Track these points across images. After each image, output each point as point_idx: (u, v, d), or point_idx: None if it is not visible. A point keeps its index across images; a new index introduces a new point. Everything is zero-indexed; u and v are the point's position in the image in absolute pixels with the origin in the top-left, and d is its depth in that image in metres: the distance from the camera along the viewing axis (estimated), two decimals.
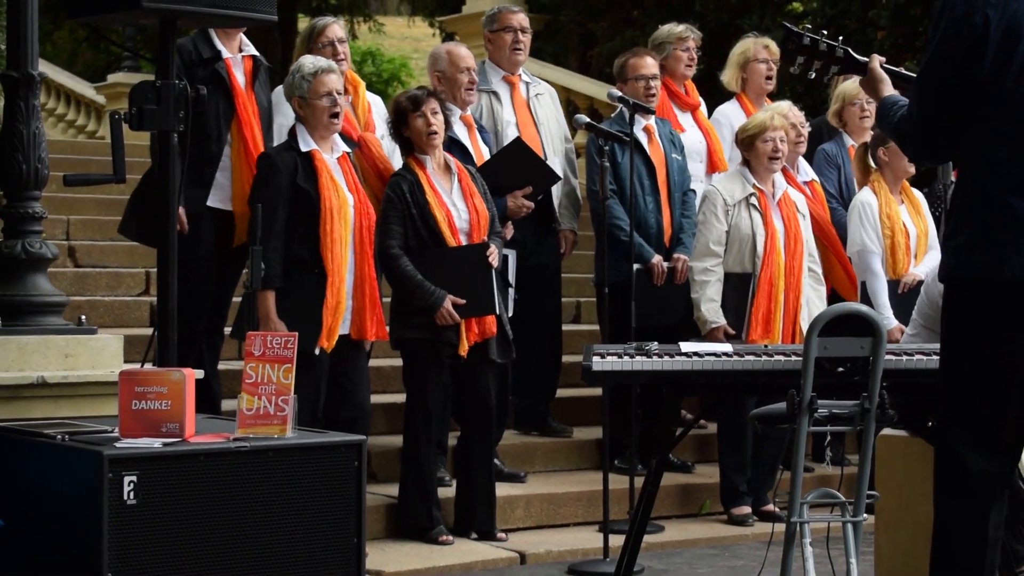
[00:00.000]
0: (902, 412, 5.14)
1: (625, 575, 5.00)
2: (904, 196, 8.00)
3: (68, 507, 4.35)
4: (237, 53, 7.22)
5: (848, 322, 4.72)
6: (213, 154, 7.10)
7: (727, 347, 5.29)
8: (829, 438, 4.77)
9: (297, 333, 4.64)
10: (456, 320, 6.85)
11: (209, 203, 7.10)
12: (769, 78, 8.67)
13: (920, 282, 7.78)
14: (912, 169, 7.93)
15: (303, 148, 6.69)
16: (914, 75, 4.80)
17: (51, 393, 5.28)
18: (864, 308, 4.88)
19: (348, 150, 6.94)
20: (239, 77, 7.18)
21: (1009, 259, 4.25)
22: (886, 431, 6.40)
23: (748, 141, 7.57)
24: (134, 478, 4.20)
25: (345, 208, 6.69)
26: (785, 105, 8.03)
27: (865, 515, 4.89)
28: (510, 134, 7.99)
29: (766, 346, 5.45)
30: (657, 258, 7.82)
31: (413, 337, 6.94)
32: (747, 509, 7.60)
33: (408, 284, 6.87)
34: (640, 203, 7.76)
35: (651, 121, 8.02)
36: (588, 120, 7.29)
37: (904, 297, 7.77)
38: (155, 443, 4.35)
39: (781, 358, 4.99)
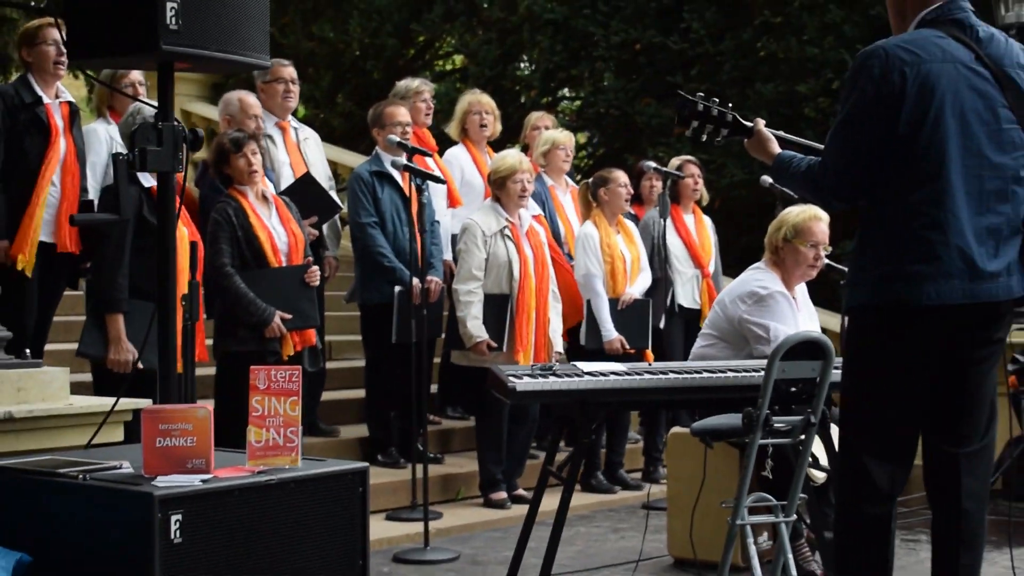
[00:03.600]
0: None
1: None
2: (620, 227, 9.04)
3: (112, 548, 4.18)
4: (55, 99, 7.34)
5: (802, 346, 5.15)
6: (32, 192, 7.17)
7: (620, 366, 5.88)
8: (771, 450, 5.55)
9: (300, 367, 4.69)
10: (284, 333, 7.32)
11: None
12: (484, 126, 9.53)
13: (636, 299, 9.00)
14: (626, 207, 9.01)
15: (145, 184, 6.82)
16: (794, 137, 5.14)
17: (13, 428, 5.20)
18: (819, 335, 5.29)
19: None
20: (58, 120, 7.31)
21: (926, 289, 4.53)
22: (675, 429, 7.29)
23: (500, 182, 8.34)
24: (179, 516, 4.09)
25: (184, 241, 7.10)
26: (518, 151, 8.97)
27: (795, 515, 5.43)
28: (285, 174, 8.47)
29: (650, 364, 6.06)
30: (415, 281, 8.64)
31: (240, 350, 7.24)
32: (504, 495, 8.42)
33: (241, 301, 7.25)
34: (398, 233, 8.51)
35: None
36: (406, 163, 7.84)
37: (623, 312, 8.88)
38: (194, 480, 4.23)
39: (697, 376, 5.81)
